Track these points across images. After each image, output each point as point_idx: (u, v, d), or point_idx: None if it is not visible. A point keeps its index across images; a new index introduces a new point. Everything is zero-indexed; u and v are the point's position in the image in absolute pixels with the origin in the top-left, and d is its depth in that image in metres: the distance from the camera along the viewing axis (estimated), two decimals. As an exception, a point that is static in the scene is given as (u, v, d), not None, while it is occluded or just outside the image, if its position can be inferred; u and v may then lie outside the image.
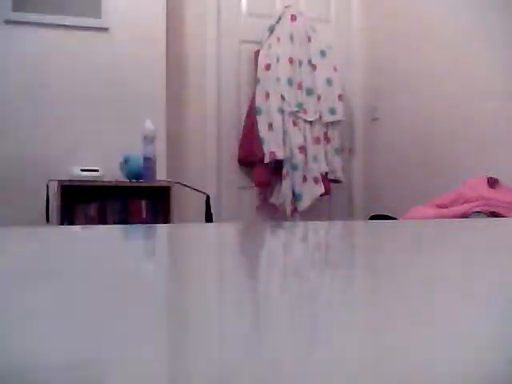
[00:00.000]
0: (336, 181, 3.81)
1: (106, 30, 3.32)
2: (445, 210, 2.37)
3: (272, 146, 3.58)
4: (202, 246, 0.42)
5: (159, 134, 3.27)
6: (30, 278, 0.27)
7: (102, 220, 3.01)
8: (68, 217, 2.95)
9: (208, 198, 3.00)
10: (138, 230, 0.54)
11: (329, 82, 3.74)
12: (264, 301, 0.23)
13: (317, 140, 3.73)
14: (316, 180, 3.67)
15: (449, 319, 0.19)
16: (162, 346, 0.16)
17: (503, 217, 2.16)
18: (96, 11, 3.29)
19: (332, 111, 3.75)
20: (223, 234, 0.51)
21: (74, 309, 0.20)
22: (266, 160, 3.58)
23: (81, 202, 2.99)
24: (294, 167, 3.63)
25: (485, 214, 2.21)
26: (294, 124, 3.66)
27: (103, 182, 2.97)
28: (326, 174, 3.74)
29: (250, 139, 3.70)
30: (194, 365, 0.14)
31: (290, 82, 3.66)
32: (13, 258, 0.33)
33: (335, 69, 3.78)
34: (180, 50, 3.68)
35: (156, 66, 3.42)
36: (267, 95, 3.63)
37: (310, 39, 3.76)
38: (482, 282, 0.26)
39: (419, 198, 3.06)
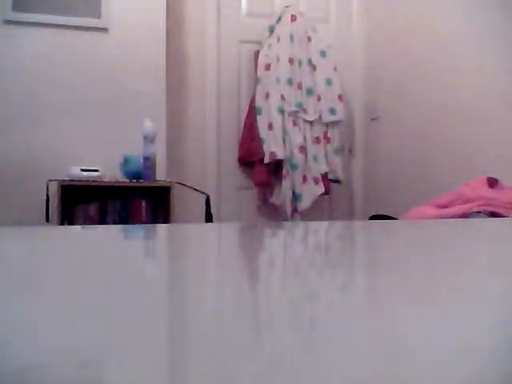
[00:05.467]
0: (336, 181, 3.81)
1: (105, 30, 3.32)
2: (445, 210, 2.36)
3: (272, 146, 3.58)
4: (202, 246, 0.42)
5: (159, 134, 3.27)
6: (30, 278, 0.27)
7: (102, 220, 3.00)
8: (68, 217, 2.95)
9: (208, 198, 3.00)
10: (137, 230, 0.54)
11: (329, 82, 3.74)
12: (268, 302, 0.23)
13: (317, 140, 3.73)
14: (316, 180, 3.67)
15: (449, 320, 0.19)
16: (162, 347, 0.16)
17: (503, 217, 2.16)
18: (96, 11, 3.29)
19: (332, 111, 3.75)
20: (223, 235, 0.51)
21: (73, 309, 0.20)
22: (266, 160, 3.59)
23: (81, 202, 2.99)
24: (294, 167, 3.63)
25: (485, 214, 2.21)
26: (294, 124, 3.66)
27: (103, 181, 2.96)
28: (326, 173, 3.74)
29: (249, 139, 3.70)
30: (193, 365, 0.14)
31: (290, 81, 3.66)
32: (12, 258, 0.33)
33: (335, 69, 3.78)
34: (180, 50, 3.68)
35: (156, 66, 3.42)
36: (267, 95, 3.63)
37: (309, 39, 3.76)
38: (481, 281, 0.26)
39: (419, 198, 3.05)
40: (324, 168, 3.71)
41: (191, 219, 3.50)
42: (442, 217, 2.26)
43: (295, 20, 3.74)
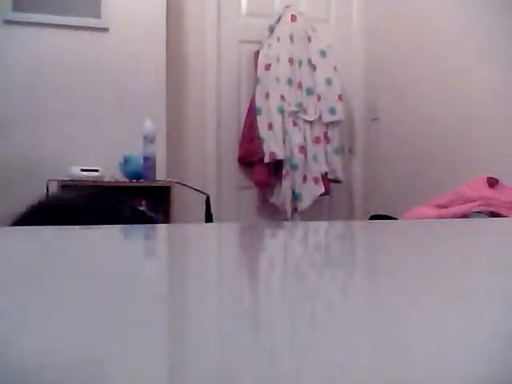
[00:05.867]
0: (336, 181, 3.81)
1: (106, 30, 3.32)
2: (445, 210, 2.36)
3: (272, 146, 3.58)
4: (202, 246, 0.42)
5: (159, 134, 3.27)
6: (30, 278, 0.27)
7: (102, 220, 3.00)
8: (68, 217, 2.94)
9: (208, 198, 3.00)
10: (137, 230, 0.54)
11: (329, 81, 3.74)
12: (267, 302, 0.23)
13: (317, 140, 3.73)
14: (316, 180, 3.67)
15: (448, 319, 0.19)
16: (162, 347, 0.16)
17: (503, 217, 2.16)
18: (96, 11, 3.29)
19: (332, 111, 3.75)
20: (223, 235, 0.51)
21: (73, 309, 0.20)
22: (266, 160, 3.59)
23: (81, 202, 2.99)
24: (294, 167, 3.63)
25: (485, 214, 2.21)
26: (294, 124, 3.66)
27: (103, 181, 2.96)
28: (326, 173, 3.74)
29: (250, 139, 3.70)
30: (193, 365, 0.14)
31: (290, 82, 3.66)
32: (12, 258, 0.33)
33: (335, 69, 3.78)
34: (180, 50, 3.68)
35: (156, 66, 3.42)
36: (267, 95, 3.63)
37: (309, 39, 3.76)
38: (481, 281, 0.26)
39: (419, 198, 3.05)
40: (324, 168, 3.71)
41: (191, 219, 3.50)
42: (442, 217, 2.26)
43: (295, 20, 3.74)
